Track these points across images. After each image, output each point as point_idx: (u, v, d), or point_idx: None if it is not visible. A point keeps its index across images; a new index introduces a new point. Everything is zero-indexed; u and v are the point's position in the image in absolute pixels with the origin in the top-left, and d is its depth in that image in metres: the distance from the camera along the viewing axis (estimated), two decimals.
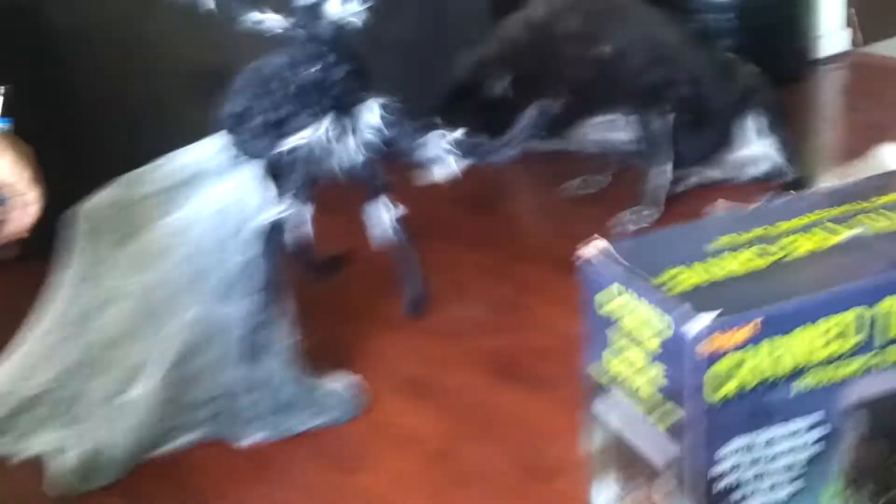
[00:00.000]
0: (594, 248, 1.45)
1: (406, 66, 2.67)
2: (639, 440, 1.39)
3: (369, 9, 1.80)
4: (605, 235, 2.66)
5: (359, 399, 1.95)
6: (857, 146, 3.00)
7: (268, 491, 1.76)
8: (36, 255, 1.92)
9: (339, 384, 1.95)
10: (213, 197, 1.91)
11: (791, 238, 1.43)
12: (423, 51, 2.92)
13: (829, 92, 3.56)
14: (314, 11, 1.80)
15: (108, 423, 1.80)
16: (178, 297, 1.91)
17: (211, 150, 1.93)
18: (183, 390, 1.86)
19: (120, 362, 1.85)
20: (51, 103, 2.55)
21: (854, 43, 3.68)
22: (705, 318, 1.27)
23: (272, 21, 1.82)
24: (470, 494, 1.72)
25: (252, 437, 1.86)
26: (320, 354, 1.97)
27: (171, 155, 1.93)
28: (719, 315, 1.26)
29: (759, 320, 1.28)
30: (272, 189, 1.83)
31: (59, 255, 1.86)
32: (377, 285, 2.32)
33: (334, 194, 1.80)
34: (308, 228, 1.75)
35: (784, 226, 1.47)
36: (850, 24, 3.67)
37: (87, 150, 2.65)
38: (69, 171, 2.58)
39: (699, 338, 1.27)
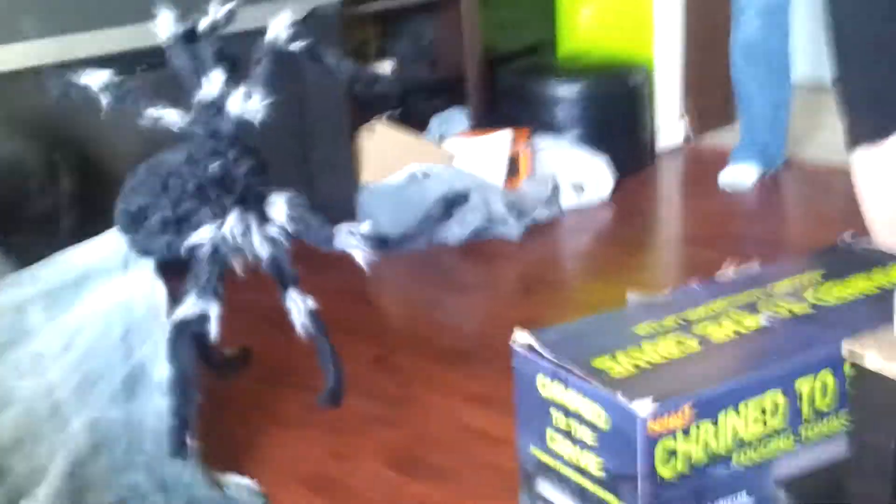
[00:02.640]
0: (520, 340, 1.49)
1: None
2: None
3: (270, 105, 1.80)
4: (482, 326, 2.74)
5: (261, 498, 1.90)
6: (698, 231, 3.22)
7: None
8: None
9: (241, 483, 1.90)
10: (101, 299, 1.85)
11: (703, 326, 1.52)
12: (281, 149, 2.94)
13: (668, 180, 3.76)
14: (215, 108, 1.79)
15: None
16: (65, 404, 1.83)
17: (100, 249, 1.87)
18: (81, 497, 1.78)
19: (12, 471, 1.75)
20: None
21: (688, 135, 3.91)
22: (641, 407, 1.32)
23: (171, 117, 1.80)
24: None
25: None
26: (219, 453, 1.93)
27: (57, 255, 1.87)
28: (653, 404, 1.32)
29: (688, 405, 1.35)
30: (170, 287, 1.79)
31: None
32: (269, 381, 2.30)
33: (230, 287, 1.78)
34: (213, 326, 1.71)
35: (693, 314, 1.56)
36: (683, 116, 3.90)
37: None
38: None
39: (636, 425, 1.32)
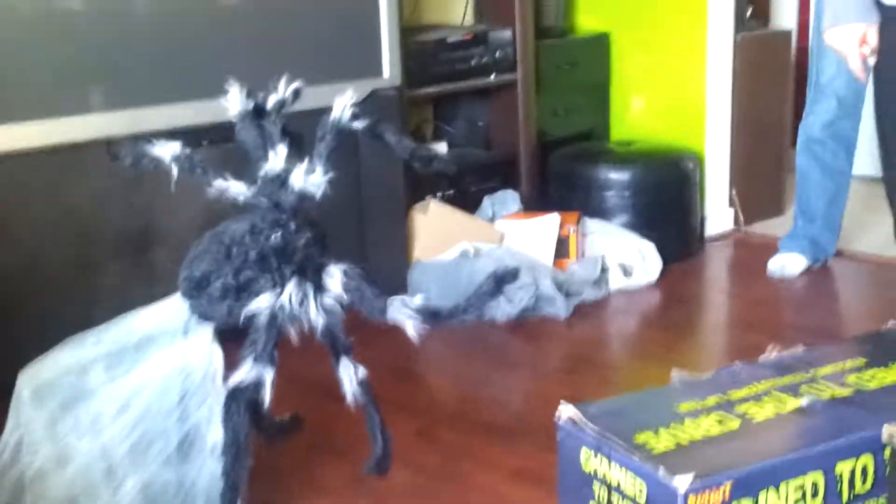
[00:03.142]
0: (565, 413, 1.53)
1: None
2: None
3: (329, 181, 1.88)
4: (526, 402, 2.76)
5: None
6: (744, 317, 3.24)
7: None
8: None
9: None
10: (161, 362, 1.91)
11: (745, 406, 1.55)
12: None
13: (715, 266, 3.79)
14: (279, 181, 1.87)
15: None
16: (121, 464, 1.88)
17: (162, 313, 1.94)
18: None
19: None
20: None
21: (737, 222, 3.95)
22: (680, 482, 1.35)
23: (236, 189, 1.88)
24: None
25: None
26: None
27: (122, 317, 1.94)
28: (693, 480, 1.35)
29: (728, 483, 1.38)
30: (227, 353, 1.86)
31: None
32: (316, 449, 2.34)
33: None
34: (268, 392, 1.77)
35: (736, 394, 1.59)
36: (732, 204, 3.95)
37: (15, 314, 2.62)
38: (2, 332, 2.57)
39: (675, 501, 1.35)
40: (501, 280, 1.85)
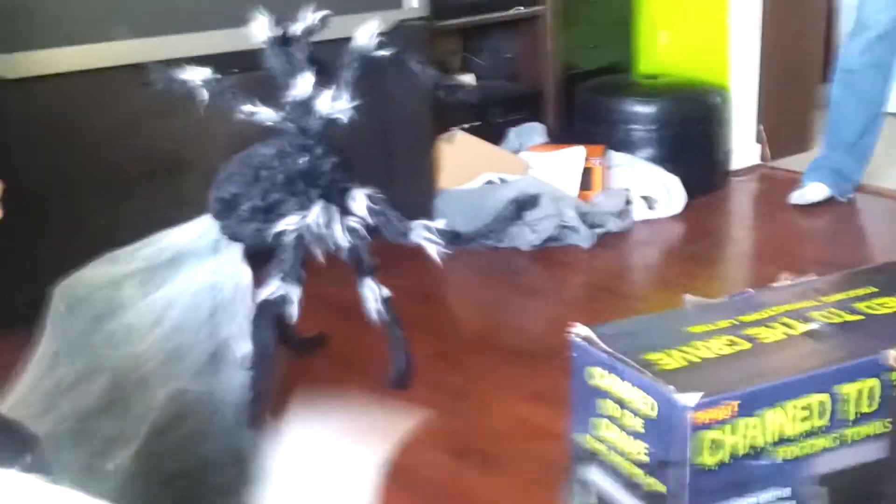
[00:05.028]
0: (578, 334, 1.58)
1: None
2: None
3: (355, 107, 1.93)
4: (545, 328, 2.81)
5: None
6: (764, 250, 3.27)
7: None
8: (13, 328, 1.96)
9: None
10: (192, 279, 1.98)
11: (755, 329, 1.59)
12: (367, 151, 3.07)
13: (739, 201, 3.81)
14: (305, 106, 1.92)
15: (92, 492, 1.82)
16: (153, 375, 1.96)
17: (193, 233, 2.01)
18: (158, 463, 1.90)
19: (94, 435, 1.88)
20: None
21: (763, 157, 3.96)
22: (688, 399, 1.40)
23: (265, 113, 1.93)
24: None
25: None
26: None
27: (154, 236, 2.00)
28: (701, 397, 1.40)
29: (735, 402, 1.43)
30: (255, 270, 1.92)
31: (36, 330, 1.89)
32: (339, 367, 2.41)
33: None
34: (294, 309, 1.84)
35: (746, 318, 1.63)
36: (759, 140, 3.95)
37: (49, 233, 2.70)
38: (37, 249, 2.66)
39: (683, 415, 1.40)
40: (522, 206, 1.90)
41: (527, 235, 3.14)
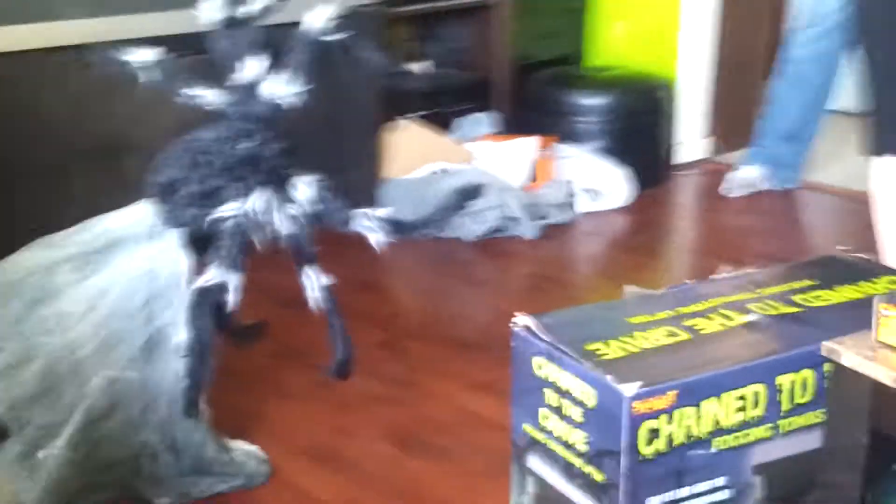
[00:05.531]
0: (520, 323, 1.57)
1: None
2: (571, 493, 1.50)
3: (303, 93, 1.89)
4: (489, 318, 2.81)
5: (266, 465, 1.99)
6: (706, 243, 3.30)
7: None
8: None
9: (247, 449, 2.00)
10: (128, 265, 1.94)
11: (694, 321, 1.60)
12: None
13: (684, 194, 3.84)
14: (250, 91, 1.88)
15: (23, 480, 1.79)
16: (86, 362, 1.92)
17: (130, 218, 1.96)
18: (92, 452, 1.87)
19: (27, 423, 1.84)
20: None
21: (717, 151, 3.99)
22: (627, 388, 1.40)
23: (207, 97, 1.89)
24: None
25: (165, 499, 1.88)
26: (228, 421, 2.02)
27: (90, 220, 1.96)
28: (640, 387, 1.40)
29: (674, 392, 1.43)
30: (194, 256, 1.89)
31: None
32: (279, 357, 2.39)
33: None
34: (233, 296, 1.81)
35: (686, 310, 1.64)
36: (713, 133, 3.98)
37: None
38: None
39: (621, 405, 1.40)
40: (466, 196, 1.89)
41: (470, 226, 3.13)
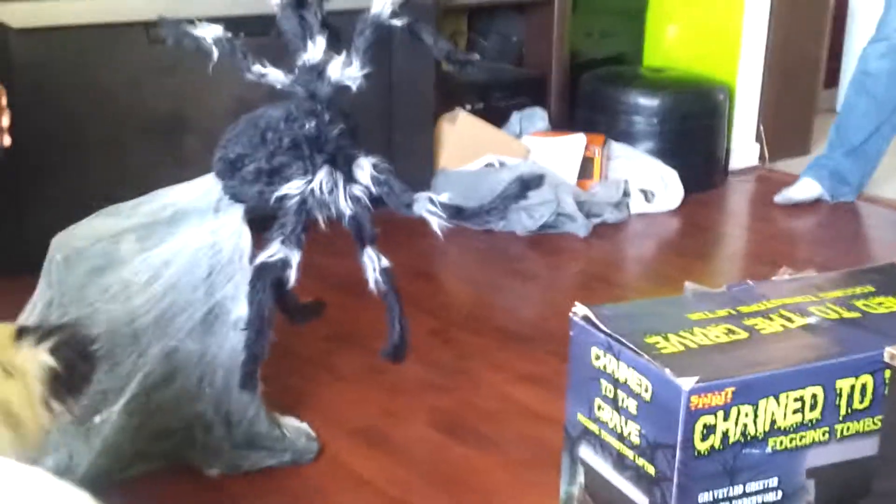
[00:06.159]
0: (578, 313, 1.58)
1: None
2: (621, 484, 1.51)
3: (366, 75, 1.91)
4: (539, 312, 2.81)
5: (315, 443, 2.02)
6: (759, 249, 3.28)
7: None
8: (20, 274, 1.96)
9: (298, 426, 2.02)
10: (192, 237, 1.97)
11: (754, 320, 1.59)
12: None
13: (737, 199, 3.82)
14: (316, 71, 1.91)
15: (79, 444, 1.83)
16: (146, 331, 1.95)
17: (195, 191, 1.99)
18: (148, 420, 1.90)
19: (98, 382, 1.87)
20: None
21: (760, 158, 3.97)
22: (685, 382, 1.40)
23: (274, 76, 1.91)
24: None
25: (216, 470, 1.91)
26: (281, 399, 2.05)
27: (155, 192, 1.99)
28: (697, 381, 1.41)
29: (731, 388, 1.43)
30: (256, 233, 1.91)
31: (32, 280, 1.89)
32: (334, 339, 2.42)
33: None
34: (293, 273, 1.83)
35: (746, 309, 1.64)
36: (758, 139, 3.96)
37: (49, 184, 2.69)
38: (43, 198, 2.66)
39: (678, 399, 1.41)
40: (527, 185, 1.89)
41: (524, 220, 3.14)
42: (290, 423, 2.04)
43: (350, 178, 1.90)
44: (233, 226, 1.94)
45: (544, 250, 3.13)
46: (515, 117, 3.67)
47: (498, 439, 2.09)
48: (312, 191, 1.87)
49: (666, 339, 1.52)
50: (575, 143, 3.44)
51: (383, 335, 1.94)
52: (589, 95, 3.77)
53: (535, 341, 2.48)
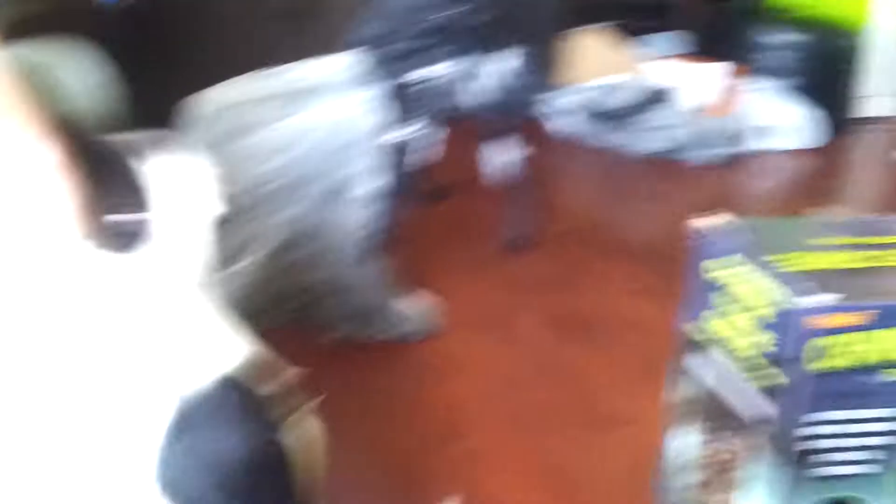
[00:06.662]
0: (718, 221, 1.58)
1: None
2: (731, 396, 1.52)
3: None
4: (652, 231, 2.79)
5: (427, 325, 2.06)
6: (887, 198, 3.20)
7: (349, 388, 1.86)
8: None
9: (413, 307, 2.07)
10: (330, 110, 2.01)
11: (879, 253, 1.57)
12: None
13: (870, 145, 3.72)
14: None
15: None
16: (280, 195, 2.01)
17: (336, 66, 2.03)
18: (273, 278, 1.97)
19: (225, 238, 1.94)
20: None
21: None
22: (827, 298, 1.40)
23: None
24: (544, 427, 1.84)
25: (333, 336, 1.97)
26: (400, 279, 2.08)
27: (295, 64, 2.03)
28: (819, 301, 1.40)
29: (875, 312, 1.41)
30: (393, 112, 1.94)
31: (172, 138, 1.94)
32: (457, 231, 2.45)
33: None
34: (429, 153, 1.85)
35: (874, 240, 1.61)
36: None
37: (192, 52, 2.75)
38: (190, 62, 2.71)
39: (816, 313, 1.40)
40: (652, 99, 1.89)
41: (642, 142, 3.11)
42: (408, 302, 2.09)
43: (489, 68, 1.91)
44: (368, 103, 1.98)
45: (659, 174, 3.11)
46: (651, 40, 3.61)
47: (609, 344, 2.12)
48: (451, 76, 1.89)
49: (787, 257, 1.51)
50: (710, 72, 3.38)
51: (506, 225, 1.96)
52: (723, 26, 3.69)
53: (646, 258, 2.48)
